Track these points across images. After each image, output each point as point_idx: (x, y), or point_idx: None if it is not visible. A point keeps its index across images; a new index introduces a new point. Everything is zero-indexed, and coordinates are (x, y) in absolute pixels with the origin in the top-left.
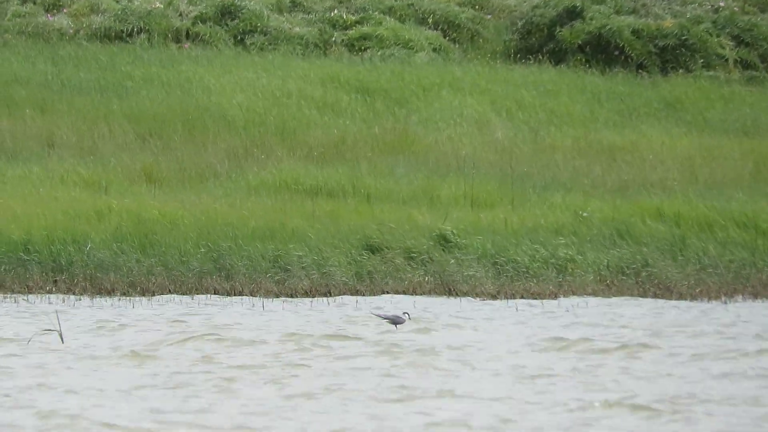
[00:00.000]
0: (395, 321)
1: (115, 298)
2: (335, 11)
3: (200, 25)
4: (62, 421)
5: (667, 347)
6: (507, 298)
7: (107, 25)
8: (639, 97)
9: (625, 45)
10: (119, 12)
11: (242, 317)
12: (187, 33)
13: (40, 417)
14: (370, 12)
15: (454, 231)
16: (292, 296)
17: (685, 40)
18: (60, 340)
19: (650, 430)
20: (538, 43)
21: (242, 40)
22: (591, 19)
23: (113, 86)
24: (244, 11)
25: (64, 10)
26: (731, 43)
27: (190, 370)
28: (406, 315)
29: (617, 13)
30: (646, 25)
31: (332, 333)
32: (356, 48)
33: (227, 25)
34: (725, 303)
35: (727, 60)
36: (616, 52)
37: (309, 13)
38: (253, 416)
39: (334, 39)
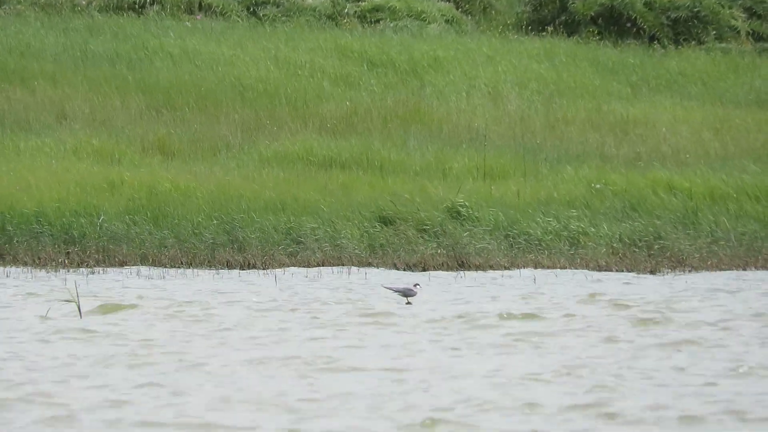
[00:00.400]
0: (406, 293)
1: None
2: None
3: None
4: None
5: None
6: (519, 269)
7: None
8: (651, 69)
9: (638, 17)
10: None
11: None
12: (200, 4)
13: None
14: None
15: (467, 203)
16: (306, 267)
17: (698, 12)
18: (78, 312)
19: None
20: (551, 15)
21: (255, 11)
22: None
23: (126, 58)
24: None
25: None
26: (743, 15)
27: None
28: (417, 287)
29: None
30: None
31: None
32: (369, 20)
33: None
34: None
35: (739, 32)
36: (629, 24)
37: None
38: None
39: (346, 11)
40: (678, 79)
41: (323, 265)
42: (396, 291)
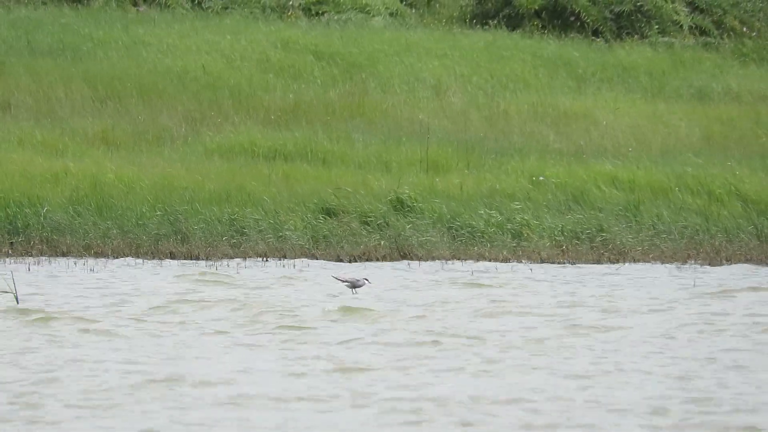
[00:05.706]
0: (354, 285)
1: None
2: None
3: None
4: None
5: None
6: (462, 261)
7: None
8: (594, 63)
9: (581, 11)
10: None
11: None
12: None
13: None
14: None
15: (410, 195)
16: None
17: (641, 6)
18: (15, 301)
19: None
20: (495, 9)
21: (199, 3)
22: None
23: (70, 49)
24: None
25: None
26: (686, 10)
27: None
28: (366, 280)
29: None
30: None
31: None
32: (313, 12)
33: None
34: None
35: (681, 26)
36: (572, 18)
37: None
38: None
39: (291, 3)
40: (620, 73)
41: (266, 256)
42: (344, 282)
